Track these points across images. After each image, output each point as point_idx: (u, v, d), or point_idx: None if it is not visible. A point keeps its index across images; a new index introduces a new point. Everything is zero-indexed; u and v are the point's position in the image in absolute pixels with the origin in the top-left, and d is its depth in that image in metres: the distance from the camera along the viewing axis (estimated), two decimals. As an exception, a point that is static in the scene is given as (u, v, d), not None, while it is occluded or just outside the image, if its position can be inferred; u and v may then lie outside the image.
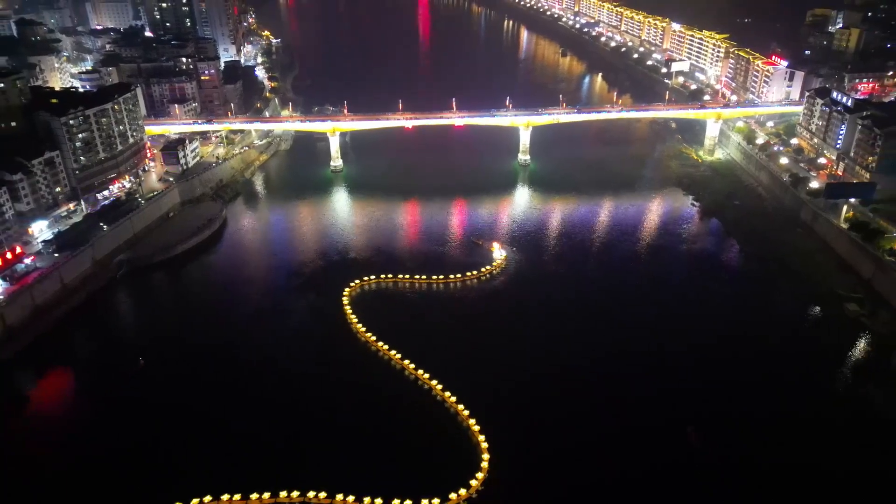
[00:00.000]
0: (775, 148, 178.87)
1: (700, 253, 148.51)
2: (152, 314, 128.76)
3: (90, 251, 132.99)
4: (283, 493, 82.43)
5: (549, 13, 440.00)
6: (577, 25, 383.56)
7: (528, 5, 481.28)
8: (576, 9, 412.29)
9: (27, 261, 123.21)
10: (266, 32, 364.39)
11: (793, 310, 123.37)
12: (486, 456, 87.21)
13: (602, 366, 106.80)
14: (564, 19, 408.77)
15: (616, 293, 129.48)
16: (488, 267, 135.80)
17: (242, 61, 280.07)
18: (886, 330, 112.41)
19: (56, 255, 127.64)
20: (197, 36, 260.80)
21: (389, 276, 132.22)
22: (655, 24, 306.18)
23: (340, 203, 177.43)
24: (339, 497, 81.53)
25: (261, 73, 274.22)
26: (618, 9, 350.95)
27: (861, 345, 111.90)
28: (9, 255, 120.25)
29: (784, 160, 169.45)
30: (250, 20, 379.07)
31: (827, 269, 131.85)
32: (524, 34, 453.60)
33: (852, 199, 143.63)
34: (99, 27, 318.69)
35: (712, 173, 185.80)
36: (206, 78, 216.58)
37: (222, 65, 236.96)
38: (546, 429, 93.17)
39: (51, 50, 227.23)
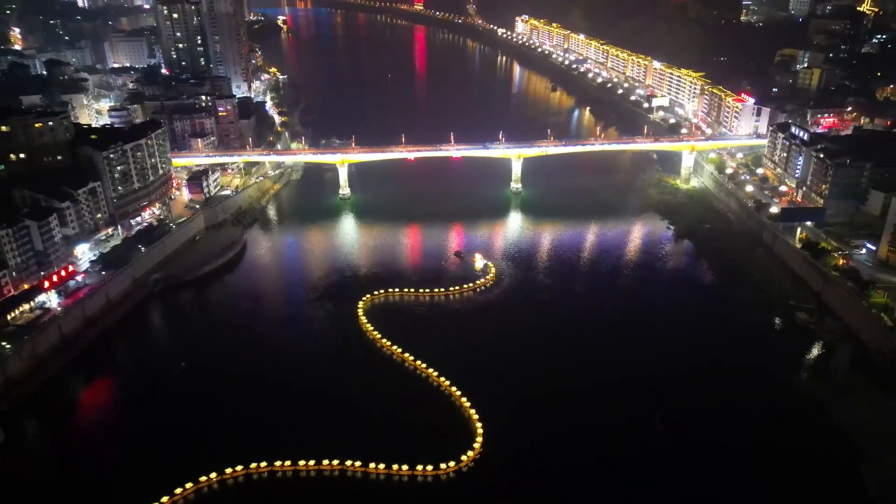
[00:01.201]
0: (743, 177, 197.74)
1: (674, 270, 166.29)
2: (186, 325, 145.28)
3: (130, 270, 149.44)
4: (302, 462, 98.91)
5: (540, 50, 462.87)
6: (567, 62, 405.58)
7: (521, 42, 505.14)
8: (565, 46, 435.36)
9: (78, 278, 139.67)
10: (273, 69, 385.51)
11: (752, 318, 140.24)
12: (479, 432, 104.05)
13: (584, 362, 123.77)
14: (555, 56, 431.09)
15: (598, 303, 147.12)
16: (481, 280, 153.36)
17: (253, 97, 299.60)
18: (830, 335, 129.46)
19: (103, 273, 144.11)
20: (212, 74, 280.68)
21: (397, 290, 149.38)
22: (638, 61, 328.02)
23: (349, 227, 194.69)
24: (349, 462, 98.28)
25: (270, 108, 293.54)
26: (604, 47, 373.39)
27: (808, 347, 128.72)
28: (63, 273, 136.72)
29: (750, 188, 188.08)
30: (257, 57, 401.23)
31: (783, 284, 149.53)
32: (517, 69, 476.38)
33: (808, 223, 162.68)
34: (116, 65, 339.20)
35: (687, 200, 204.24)
36: (224, 114, 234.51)
37: (236, 101, 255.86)
38: (533, 414, 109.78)
39: (80, 89, 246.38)
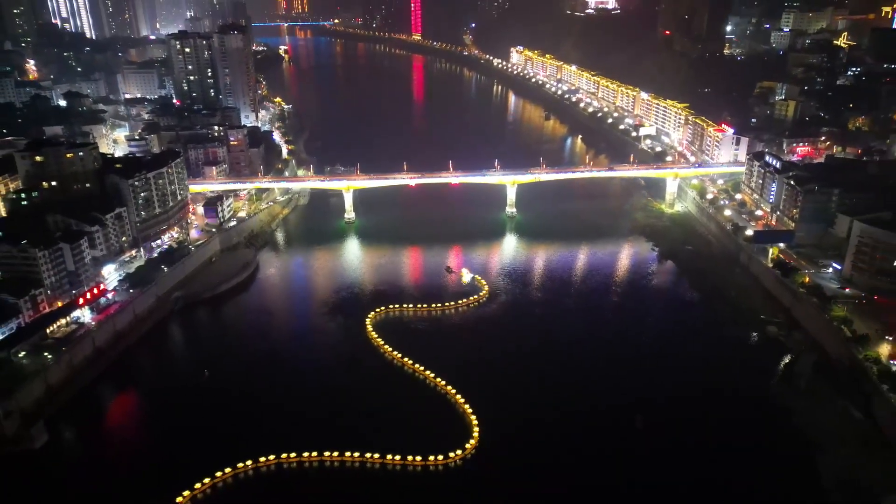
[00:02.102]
0: (722, 202, 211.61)
1: (657, 288, 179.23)
2: (206, 338, 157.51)
3: (155, 289, 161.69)
4: (326, 453, 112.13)
5: (534, 80, 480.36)
6: (560, 92, 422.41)
7: (516, 72, 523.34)
8: (559, 76, 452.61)
9: (109, 295, 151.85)
10: (277, 99, 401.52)
11: (727, 331, 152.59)
12: (475, 428, 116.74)
13: (572, 369, 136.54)
14: (548, 86, 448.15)
15: (587, 317, 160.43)
16: (476, 297, 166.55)
17: (260, 126, 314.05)
18: (797, 346, 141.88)
19: (130, 291, 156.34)
20: (223, 105, 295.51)
21: (401, 305, 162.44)
22: (627, 92, 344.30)
23: (355, 249, 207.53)
24: (356, 454, 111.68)
25: (277, 136, 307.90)
26: (595, 78, 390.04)
27: (777, 357, 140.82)
28: (95, 291, 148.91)
29: (728, 212, 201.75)
30: (262, 87, 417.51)
31: (756, 300, 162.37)
32: (512, 98, 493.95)
33: (781, 244, 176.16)
34: (128, 96, 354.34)
35: (671, 223, 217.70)
36: (235, 143, 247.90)
37: (246, 131, 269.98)
38: (524, 413, 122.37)
39: (99, 120, 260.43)
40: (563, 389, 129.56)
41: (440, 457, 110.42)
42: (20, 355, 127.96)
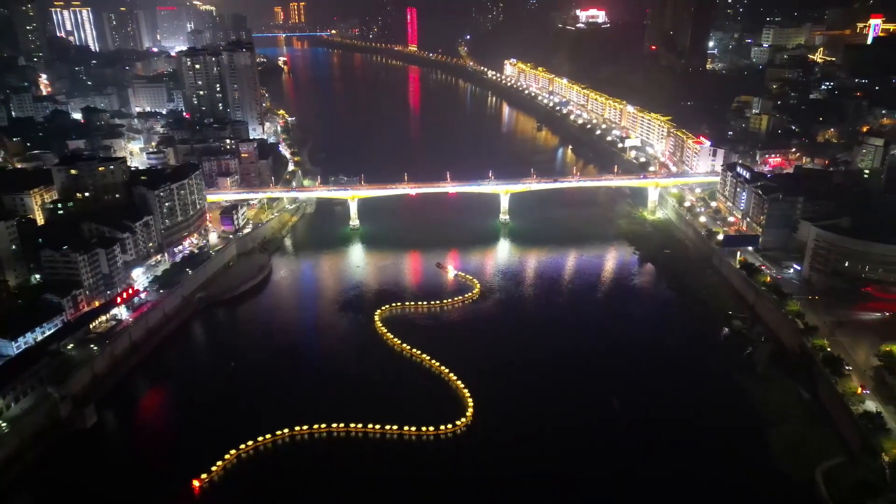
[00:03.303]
0: (699, 209, 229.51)
1: (637, 288, 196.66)
2: (228, 334, 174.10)
3: (181, 290, 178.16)
4: (335, 425, 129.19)
5: (527, 92, 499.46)
6: (551, 104, 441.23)
7: (509, 84, 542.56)
8: (550, 89, 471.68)
9: (142, 295, 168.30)
10: (281, 111, 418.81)
11: (698, 326, 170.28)
12: (470, 405, 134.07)
13: (557, 357, 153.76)
14: (540, 98, 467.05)
15: (572, 314, 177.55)
16: (470, 294, 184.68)
17: (266, 138, 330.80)
18: (757, 337, 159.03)
19: (160, 291, 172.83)
20: (232, 119, 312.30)
21: (405, 303, 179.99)
22: (615, 105, 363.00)
23: (360, 253, 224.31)
24: (360, 425, 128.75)
25: (283, 148, 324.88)
26: (585, 91, 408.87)
27: (739, 348, 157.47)
28: (130, 291, 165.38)
29: (703, 219, 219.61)
30: (265, 100, 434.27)
31: (724, 298, 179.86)
32: (506, 109, 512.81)
33: (750, 248, 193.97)
34: (138, 109, 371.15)
35: (652, 229, 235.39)
36: (245, 155, 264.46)
37: (256, 144, 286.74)
38: (512, 392, 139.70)
39: (118, 134, 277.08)
40: (549, 374, 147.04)
41: (441, 427, 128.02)
42: (69, 347, 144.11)
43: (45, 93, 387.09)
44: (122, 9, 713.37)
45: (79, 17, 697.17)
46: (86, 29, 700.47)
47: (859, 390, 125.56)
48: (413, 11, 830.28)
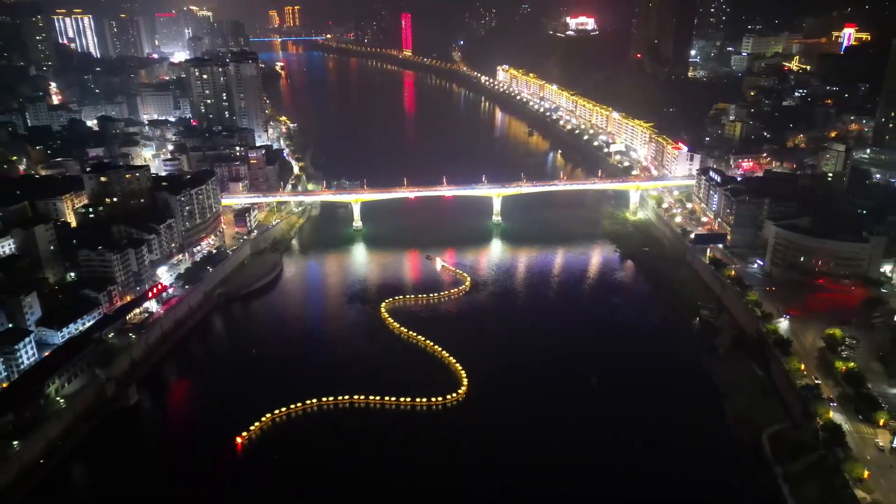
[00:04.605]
0: (676, 210, 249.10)
1: (618, 282, 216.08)
2: (247, 325, 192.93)
3: (203, 286, 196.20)
4: (342, 397, 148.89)
5: (518, 97, 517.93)
6: (542, 109, 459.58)
7: (502, 90, 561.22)
8: (541, 94, 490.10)
9: (170, 290, 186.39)
10: (283, 117, 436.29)
11: (670, 315, 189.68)
12: (464, 381, 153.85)
13: (543, 340, 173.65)
14: (532, 103, 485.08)
15: (557, 304, 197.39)
16: (463, 286, 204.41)
17: (271, 144, 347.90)
18: (722, 324, 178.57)
19: (185, 287, 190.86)
20: (238, 126, 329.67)
21: (404, 295, 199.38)
22: (601, 111, 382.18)
23: (363, 252, 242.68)
24: (372, 396, 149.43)
25: (288, 154, 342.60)
26: (573, 97, 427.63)
27: (706, 334, 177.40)
28: (159, 287, 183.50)
29: (679, 219, 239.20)
30: (268, 106, 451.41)
31: (695, 290, 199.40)
32: (498, 114, 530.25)
33: (720, 245, 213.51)
34: (146, 116, 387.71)
35: (633, 229, 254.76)
36: (254, 161, 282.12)
37: (263, 151, 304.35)
38: (502, 371, 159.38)
39: (134, 142, 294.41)
40: (534, 354, 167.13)
41: (439, 398, 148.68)
42: (110, 336, 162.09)
43: (56, 101, 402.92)
44: (123, 15, 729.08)
45: (80, 24, 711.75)
46: (87, 36, 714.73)
47: (802, 367, 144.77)
48: (407, 17, 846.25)
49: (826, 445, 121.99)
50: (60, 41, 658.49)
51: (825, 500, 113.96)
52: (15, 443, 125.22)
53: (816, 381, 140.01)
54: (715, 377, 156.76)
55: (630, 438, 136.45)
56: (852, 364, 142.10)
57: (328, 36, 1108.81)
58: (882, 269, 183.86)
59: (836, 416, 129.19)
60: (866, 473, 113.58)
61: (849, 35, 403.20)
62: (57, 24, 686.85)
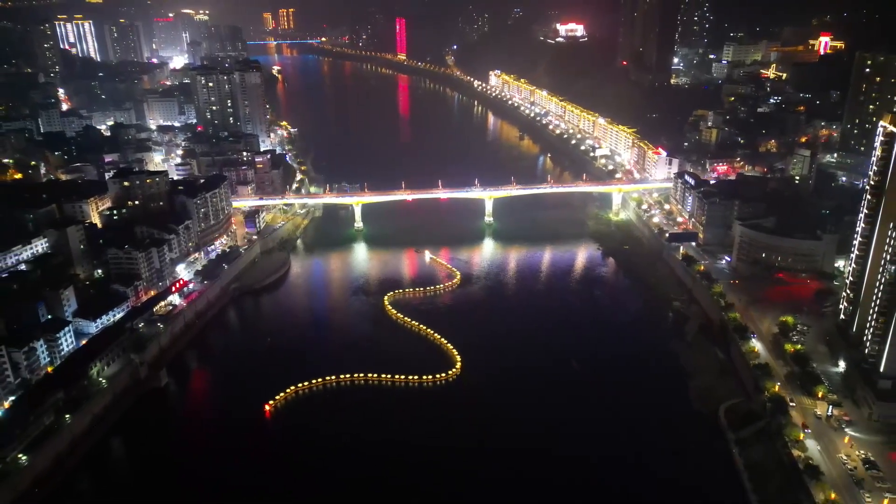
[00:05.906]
0: (654, 211, 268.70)
1: (600, 278, 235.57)
2: (261, 317, 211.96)
3: (219, 281, 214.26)
4: (353, 374, 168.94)
5: (510, 102, 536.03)
6: (533, 114, 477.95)
7: (494, 94, 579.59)
8: (532, 100, 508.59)
9: (190, 285, 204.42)
10: (284, 122, 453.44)
11: (646, 306, 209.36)
12: (458, 361, 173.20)
13: (529, 327, 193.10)
14: (523, 108, 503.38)
15: (544, 297, 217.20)
16: (455, 280, 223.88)
17: (274, 149, 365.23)
18: (691, 314, 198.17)
19: (204, 282, 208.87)
20: (243, 132, 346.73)
21: (403, 289, 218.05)
22: (588, 117, 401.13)
23: (365, 251, 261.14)
24: (376, 375, 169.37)
25: (290, 158, 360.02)
26: (562, 103, 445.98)
27: (677, 323, 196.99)
28: (181, 282, 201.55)
29: (657, 219, 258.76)
30: (269, 111, 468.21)
31: (669, 284, 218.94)
32: (491, 118, 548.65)
33: (692, 243, 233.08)
34: (152, 122, 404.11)
35: (615, 229, 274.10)
36: (260, 165, 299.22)
37: (269, 155, 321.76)
38: (492, 353, 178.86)
39: (146, 147, 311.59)
40: (521, 340, 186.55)
41: (436, 376, 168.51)
42: (140, 326, 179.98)
43: (64, 107, 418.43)
44: (123, 21, 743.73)
45: (81, 29, 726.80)
46: (87, 41, 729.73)
47: (756, 349, 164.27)
48: (402, 21, 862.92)
49: (772, 414, 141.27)
50: (62, 47, 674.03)
51: (768, 459, 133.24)
52: (67, 416, 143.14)
53: (767, 362, 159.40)
54: (681, 359, 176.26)
55: (603, 415, 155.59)
56: (800, 346, 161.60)
57: (323, 39, 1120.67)
58: (836, 265, 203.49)
59: (782, 391, 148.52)
60: (801, 436, 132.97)
61: (824, 43, 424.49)
62: (58, 30, 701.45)
